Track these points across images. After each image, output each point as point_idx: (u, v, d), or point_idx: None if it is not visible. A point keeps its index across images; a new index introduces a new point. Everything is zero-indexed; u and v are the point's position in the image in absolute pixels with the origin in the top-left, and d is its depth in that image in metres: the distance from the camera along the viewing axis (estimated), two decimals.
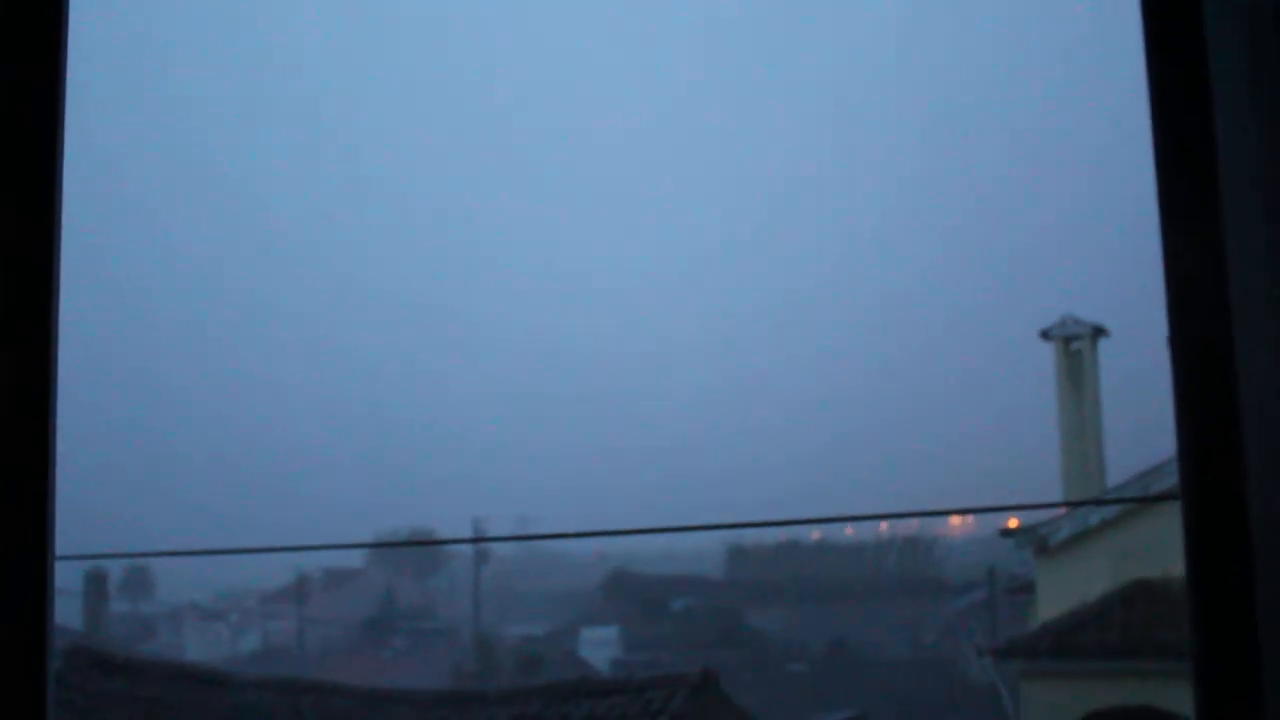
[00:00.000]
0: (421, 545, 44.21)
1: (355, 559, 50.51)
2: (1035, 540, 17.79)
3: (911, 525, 44.98)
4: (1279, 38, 1.20)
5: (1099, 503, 17.06)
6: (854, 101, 55.93)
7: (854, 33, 56.29)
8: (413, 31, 60.08)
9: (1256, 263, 1.23)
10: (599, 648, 35.63)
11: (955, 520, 41.48)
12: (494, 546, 42.16)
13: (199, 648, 41.64)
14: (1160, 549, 14.52)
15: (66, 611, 28.68)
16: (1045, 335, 19.01)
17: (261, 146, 57.93)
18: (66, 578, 29.84)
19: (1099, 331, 18.71)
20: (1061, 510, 17.80)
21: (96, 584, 33.27)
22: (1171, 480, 14.58)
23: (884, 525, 44.59)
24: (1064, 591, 16.83)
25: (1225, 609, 1.24)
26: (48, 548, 1.36)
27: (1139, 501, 16.05)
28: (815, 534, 46.07)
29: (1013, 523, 18.95)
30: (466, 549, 42.06)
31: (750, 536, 46.22)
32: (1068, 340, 18.76)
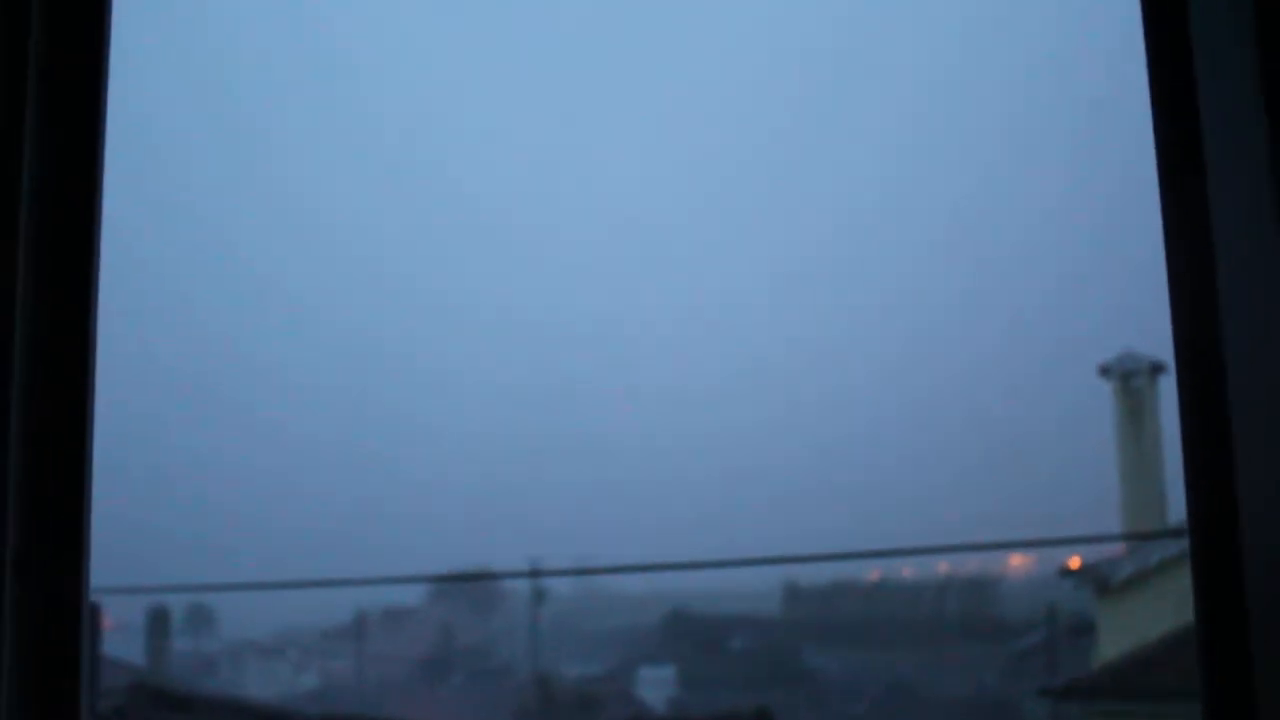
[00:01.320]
0: (479, 580, 44.27)
1: (413, 598, 50.62)
2: (1096, 580, 17.60)
3: (970, 565, 44.57)
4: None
5: (1168, 535, 16.83)
6: (903, 134, 55.85)
7: (906, 63, 56.21)
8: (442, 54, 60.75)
9: (1253, 291, 1.26)
10: (656, 687, 35.51)
11: (1015, 560, 41.05)
12: (552, 586, 42.15)
13: (259, 685, 41.89)
14: None
15: (130, 647, 28.95)
16: (1104, 372, 18.85)
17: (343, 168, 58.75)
18: (130, 614, 30.14)
19: (1158, 368, 18.52)
20: (1122, 549, 17.60)
21: (159, 620, 33.56)
22: None
23: (943, 565, 44.19)
24: (1125, 632, 16.62)
25: (1225, 644, 1.26)
26: (82, 582, 1.40)
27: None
28: (873, 573, 45.70)
29: (1074, 563, 18.76)
30: (524, 589, 42.12)
31: (807, 576, 45.95)
32: (1127, 377, 18.58)
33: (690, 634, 42.51)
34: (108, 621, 21.37)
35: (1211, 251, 1.30)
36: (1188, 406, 1.30)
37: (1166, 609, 16.10)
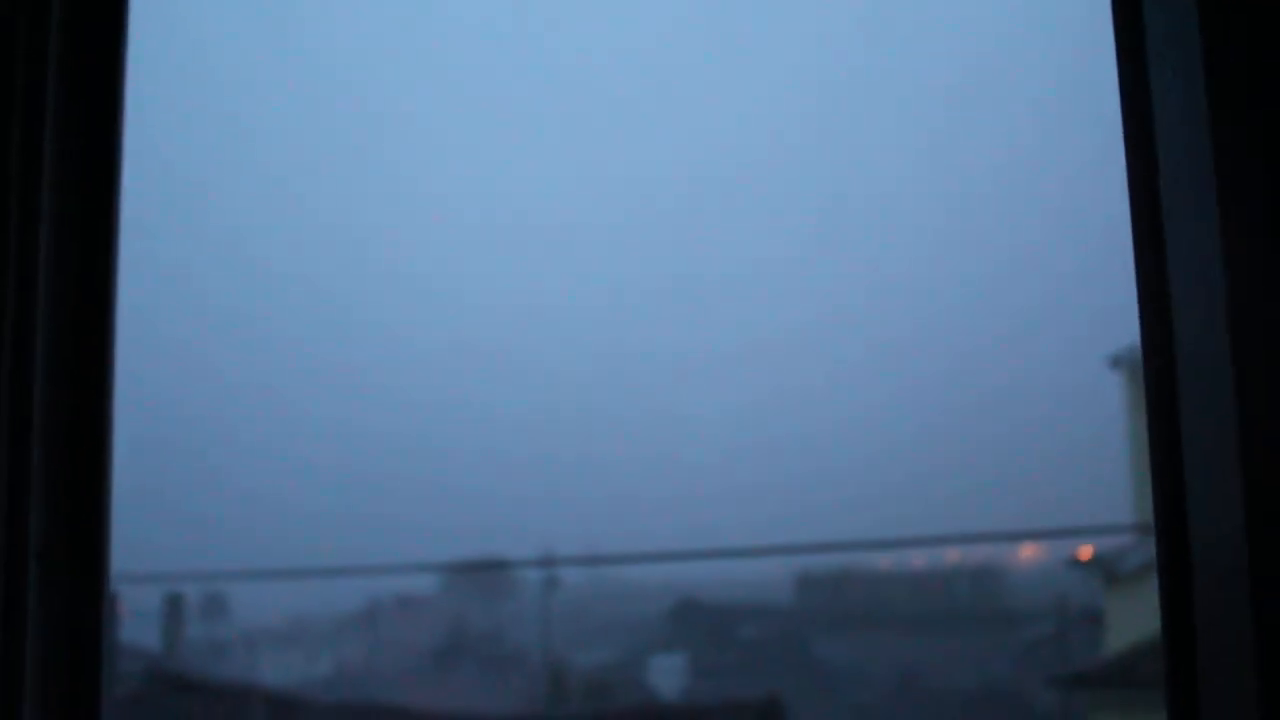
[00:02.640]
0: (490, 569, 44.42)
1: (426, 586, 50.76)
2: (1105, 570, 17.61)
3: (980, 555, 44.58)
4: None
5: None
6: (915, 118, 55.70)
7: (920, 45, 56.05)
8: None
9: (1203, 300, 1.31)
10: (667, 675, 35.57)
11: (1025, 550, 41.05)
12: (564, 575, 42.17)
13: (272, 671, 42.02)
14: None
15: (146, 634, 29.10)
16: (1115, 362, 18.82)
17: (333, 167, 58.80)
18: (145, 601, 30.29)
19: None
20: (1131, 538, 17.62)
21: (174, 607, 33.71)
22: None
23: (953, 554, 44.20)
24: (1135, 621, 16.62)
25: (1179, 635, 1.32)
26: (103, 572, 1.45)
27: None
28: (884, 562, 45.76)
29: (1083, 553, 18.77)
30: (536, 577, 42.22)
31: (818, 565, 45.99)
32: (1137, 367, 18.55)
33: (701, 622, 42.61)
34: (123, 608, 21.52)
35: (1165, 256, 1.37)
36: (1151, 408, 1.36)
37: None
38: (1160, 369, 1.39)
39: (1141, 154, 1.47)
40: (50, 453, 1.43)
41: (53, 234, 1.51)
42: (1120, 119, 1.53)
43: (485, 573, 46.31)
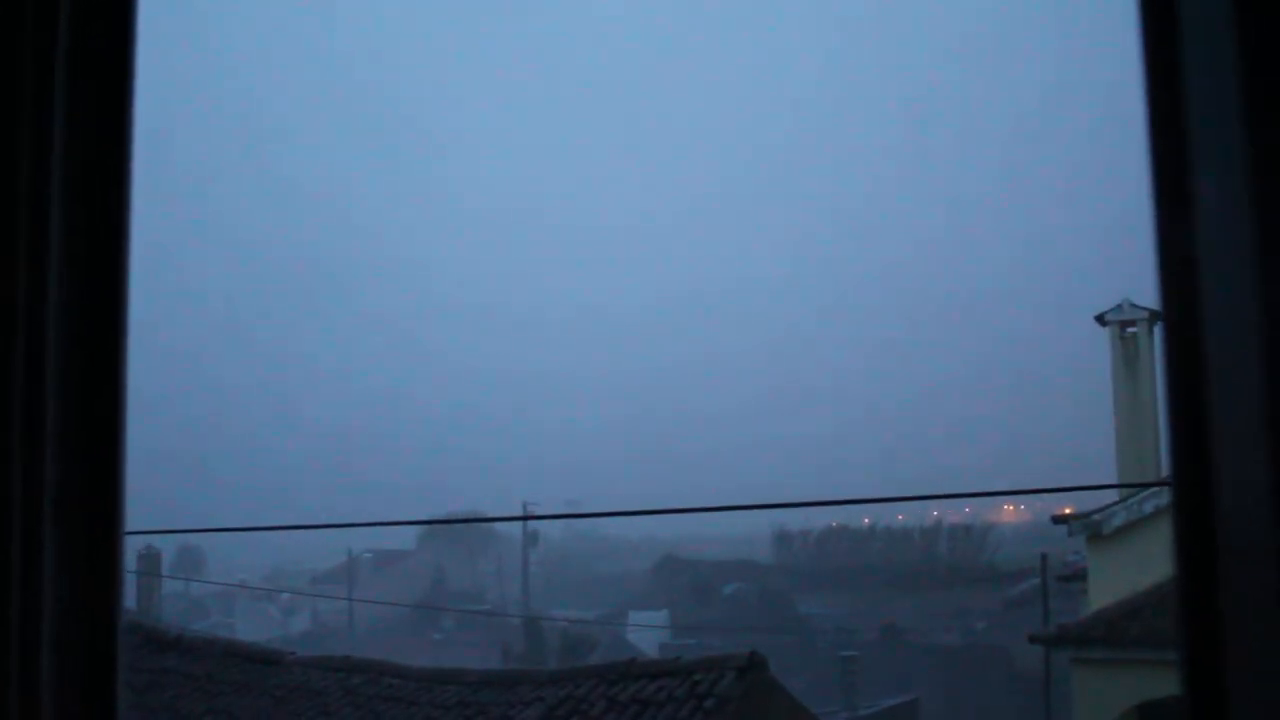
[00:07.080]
0: (470, 522, 44.44)
1: (406, 541, 50.87)
2: (1088, 527, 17.64)
3: (963, 512, 44.80)
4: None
5: (1158, 485, 16.85)
6: (917, 99, 55.78)
7: (923, 39, 56.07)
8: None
9: (1232, 259, 1.27)
10: (648, 631, 35.69)
11: (1008, 508, 41.27)
12: (543, 530, 42.20)
13: (250, 627, 42.02)
14: None
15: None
16: (1101, 320, 18.83)
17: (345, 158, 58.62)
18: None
19: (1156, 316, 18.45)
20: (1116, 496, 17.64)
21: (150, 563, 33.71)
22: None
23: (935, 512, 44.38)
24: (1117, 579, 16.67)
25: (1198, 599, 1.28)
26: (118, 527, 1.40)
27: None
28: (865, 519, 45.93)
29: (1066, 510, 18.80)
30: (516, 533, 42.20)
31: (798, 521, 46.19)
32: (1124, 325, 18.58)
33: (682, 579, 42.72)
34: None
35: (1193, 214, 1.32)
36: (1171, 365, 1.32)
37: (1159, 557, 16.14)
38: (1182, 328, 1.34)
39: (1165, 102, 1.41)
40: (65, 401, 1.39)
41: (65, 191, 1.47)
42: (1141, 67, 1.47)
43: (464, 527, 46.34)
